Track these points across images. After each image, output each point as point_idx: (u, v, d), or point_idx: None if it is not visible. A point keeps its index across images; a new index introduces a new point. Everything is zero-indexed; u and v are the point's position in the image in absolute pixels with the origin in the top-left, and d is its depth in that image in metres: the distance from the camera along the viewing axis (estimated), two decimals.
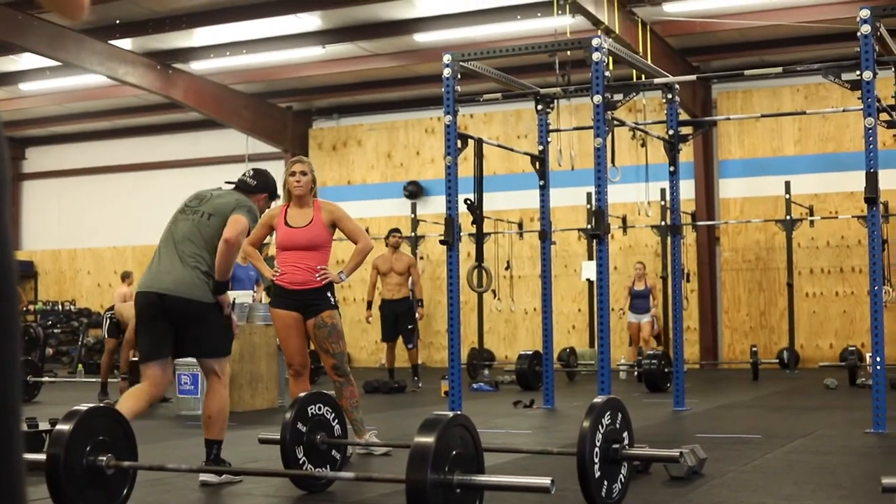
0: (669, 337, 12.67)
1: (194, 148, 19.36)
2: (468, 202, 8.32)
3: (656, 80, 9.07)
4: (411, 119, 17.99)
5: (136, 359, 9.62)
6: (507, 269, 14.94)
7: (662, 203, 13.88)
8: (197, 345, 5.12)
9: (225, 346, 5.25)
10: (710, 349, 15.88)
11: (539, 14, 13.00)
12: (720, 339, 16.01)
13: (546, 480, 3.73)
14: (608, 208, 7.83)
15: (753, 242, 15.84)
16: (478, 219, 8.47)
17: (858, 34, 7.13)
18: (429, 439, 3.61)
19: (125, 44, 14.84)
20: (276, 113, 18.25)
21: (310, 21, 14.19)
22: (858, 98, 7.23)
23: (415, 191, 17.27)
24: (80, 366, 15.05)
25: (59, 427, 4.25)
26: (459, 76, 8.38)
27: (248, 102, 17.56)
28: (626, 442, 4.38)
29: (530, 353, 11.78)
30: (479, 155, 8.62)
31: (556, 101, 9.66)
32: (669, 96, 9.20)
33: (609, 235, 7.97)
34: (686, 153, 12.94)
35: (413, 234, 16.32)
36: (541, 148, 9.52)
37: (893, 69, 7.94)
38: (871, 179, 7.11)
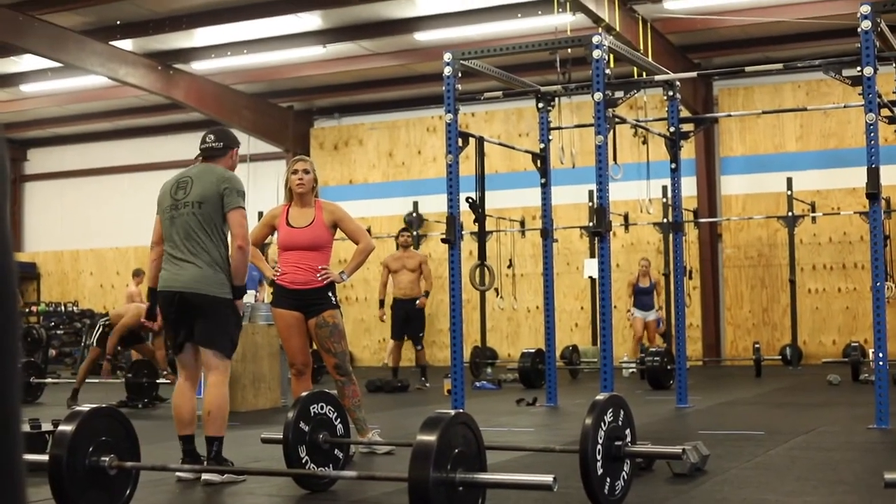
0: (672, 334, 12.67)
1: (196, 148, 19.28)
2: (470, 200, 8.32)
3: (657, 78, 9.06)
4: (412, 118, 17.99)
5: (120, 348, 10.56)
6: (509, 267, 14.95)
7: (664, 200, 13.85)
8: (200, 332, 5.25)
9: (226, 343, 5.28)
10: (713, 346, 15.87)
11: (539, 12, 13.01)
12: (723, 335, 15.99)
13: (549, 478, 3.73)
14: (610, 206, 7.83)
15: (756, 239, 15.82)
16: (480, 217, 8.47)
17: (859, 30, 7.12)
18: (431, 438, 3.61)
19: (126, 45, 14.86)
20: (278, 113, 18.26)
21: (310, 20, 14.19)
22: (859, 94, 7.22)
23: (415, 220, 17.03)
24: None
25: (61, 428, 4.26)
26: (460, 75, 8.39)
27: (249, 102, 17.56)
28: (628, 439, 4.37)
29: (533, 351, 11.78)
30: (480, 153, 8.62)
31: (557, 98, 9.65)
32: (670, 93, 9.18)
33: (611, 233, 7.98)
34: (687, 150, 12.92)
35: (415, 232, 16.32)
36: (542, 146, 9.52)
37: (894, 65, 7.92)
38: (873, 175, 7.10)
